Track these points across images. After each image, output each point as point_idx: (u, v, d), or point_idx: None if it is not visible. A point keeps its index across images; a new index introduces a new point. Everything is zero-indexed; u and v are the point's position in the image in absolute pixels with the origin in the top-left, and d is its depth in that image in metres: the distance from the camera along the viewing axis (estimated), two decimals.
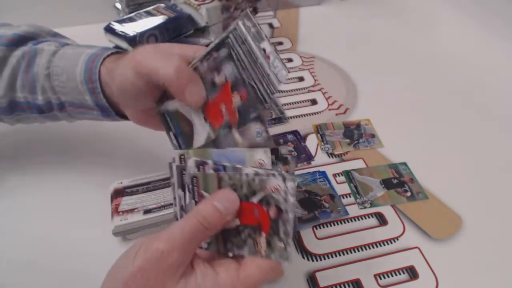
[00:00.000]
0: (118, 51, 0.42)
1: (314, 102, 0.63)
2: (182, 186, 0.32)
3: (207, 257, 0.31)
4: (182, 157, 0.32)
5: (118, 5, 0.78)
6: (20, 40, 0.43)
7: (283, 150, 0.33)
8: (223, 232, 0.31)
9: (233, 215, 0.30)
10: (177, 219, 0.33)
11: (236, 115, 0.31)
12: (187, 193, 0.32)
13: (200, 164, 0.31)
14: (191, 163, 0.31)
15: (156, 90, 0.36)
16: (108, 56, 0.40)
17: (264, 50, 0.33)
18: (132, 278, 0.26)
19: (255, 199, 0.30)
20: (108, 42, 0.64)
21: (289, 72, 0.34)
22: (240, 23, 0.32)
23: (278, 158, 0.31)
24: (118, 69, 0.37)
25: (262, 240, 0.30)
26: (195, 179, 0.31)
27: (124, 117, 0.42)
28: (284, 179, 0.29)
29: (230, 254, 0.31)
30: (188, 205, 0.32)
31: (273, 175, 0.29)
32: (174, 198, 0.33)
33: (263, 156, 0.30)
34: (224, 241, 0.31)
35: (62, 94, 0.42)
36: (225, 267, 0.29)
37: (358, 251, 0.44)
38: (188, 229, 0.28)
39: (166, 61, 0.33)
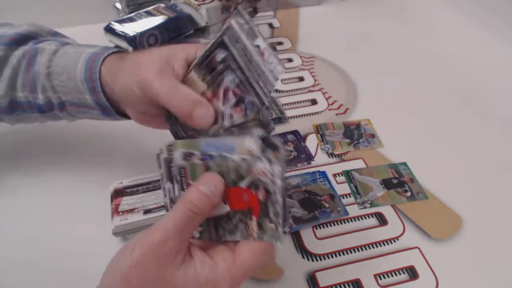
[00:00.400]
0: (119, 50, 0.42)
1: (314, 102, 0.63)
2: (170, 179, 0.32)
3: (201, 245, 0.32)
4: (170, 147, 0.33)
5: (118, 5, 0.78)
6: (21, 40, 0.43)
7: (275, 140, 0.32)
8: (215, 219, 0.31)
9: (220, 197, 0.30)
10: (167, 210, 0.34)
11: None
12: (176, 185, 0.32)
13: (187, 156, 0.31)
14: (177, 154, 0.31)
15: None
16: (108, 55, 0.40)
17: (258, 47, 0.33)
18: (132, 271, 0.27)
19: (243, 184, 0.30)
20: (108, 42, 0.64)
21: (285, 67, 0.34)
22: (233, 21, 0.32)
23: (268, 145, 0.31)
24: (120, 75, 0.37)
25: (253, 223, 0.30)
26: (183, 170, 0.31)
27: (124, 116, 0.42)
28: (270, 162, 0.29)
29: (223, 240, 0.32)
30: (177, 197, 0.32)
31: (259, 158, 0.29)
32: (164, 189, 0.33)
33: (252, 142, 0.30)
34: (216, 228, 0.32)
35: (63, 94, 0.42)
36: (221, 255, 0.30)
37: (358, 251, 0.44)
38: (179, 217, 0.28)
39: (169, 88, 0.33)
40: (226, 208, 0.31)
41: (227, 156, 0.30)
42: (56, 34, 0.47)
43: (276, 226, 0.30)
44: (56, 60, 0.41)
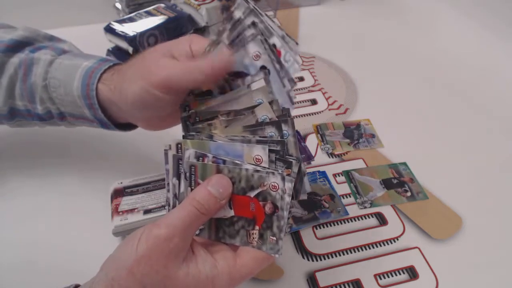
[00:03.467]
0: (115, 63, 0.41)
1: (314, 102, 0.63)
2: (178, 175, 0.33)
3: (203, 242, 0.32)
4: (179, 145, 0.33)
5: (118, 5, 0.78)
6: (17, 45, 0.42)
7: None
8: (217, 220, 0.32)
9: (227, 199, 0.31)
10: (169, 205, 0.34)
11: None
12: (182, 182, 0.32)
13: (200, 156, 0.31)
14: (190, 153, 0.31)
15: (183, 95, 0.35)
16: (105, 71, 0.39)
17: (275, 46, 0.32)
18: (137, 265, 0.27)
19: (252, 194, 0.30)
20: (108, 42, 0.64)
21: (300, 63, 0.34)
22: (256, 20, 0.31)
23: (282, 160, 0.31)
24: (126, 87, 0.36)
25: (255, 232, 0.31)
26: (193, 168, 0.31)
27: (123, 128, 0.42)
28: (283, 179, 0.29)
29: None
30: (182, 194, 0.32)
31: (273, 173, 0.30)
32: (168, 184, 0.33)
33: (261, 152, 0.31)
34: (217, 229, 0.32)
35: (61, 106, 0.41)
36: (222, 255, 0.30)
37: (358, 251, 0.44)
38: (185, 215, 0.29)
39: (186, 63, 0.33)
40: (231, 213, 0.31)
41: (240, 164, 0.30)
42: (52, 39, 0.46)
43: (277, 240, 0.30)
44: (52, 72, 0.41)
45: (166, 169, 0.33)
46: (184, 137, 0.34)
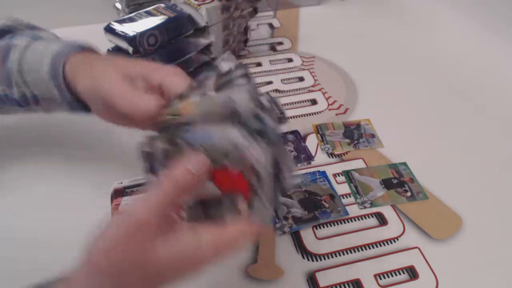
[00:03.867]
0: (85, 47, 0.42)
1: (314, 102, 0.63)
2: (152, 170, 0.33)
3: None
4: (152, 141, 0.33)
5: (118, 5, 0.78)
6: None
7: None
8: (204, 206, 0.32)
9: (205, 175, 0.30)
10: None
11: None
12: (160, 170, 0.32)
13: (171, 145, 0.31)
14: (158, 150, 0.32)
15: None
16: (74, 54, 0.41)
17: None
18: (114, 248, 0.27)
19: (232, 167, 0.30)
20: (108, 42, 0.64)
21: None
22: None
23: (259, 133, 0.31)
24: (81, 77, 0.38)
25: (241, 204, 0.31)
26: (167, 151, 0.31)
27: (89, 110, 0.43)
28: (260, 149, 0.30)
29: None
30: None
31: (250, 145, 0.30)
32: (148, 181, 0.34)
33: (236, 134, 0.30)
34: (203, 207, 0.32)
35: (35, 89, 0.42)
36: (207, 228, 0.29)
37: (358, 251, 0.44)
38: (163, 194, 0.28)
39: (141, 99, 0.35)
40: (215, 189, 0.31)
41: (215, 142, 0.30)
42: (33, 28, 0.48)
43: (264, 208, 0.31)
44: (27, 56, 0.42)
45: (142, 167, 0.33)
46: (159, 130, 0.34)
